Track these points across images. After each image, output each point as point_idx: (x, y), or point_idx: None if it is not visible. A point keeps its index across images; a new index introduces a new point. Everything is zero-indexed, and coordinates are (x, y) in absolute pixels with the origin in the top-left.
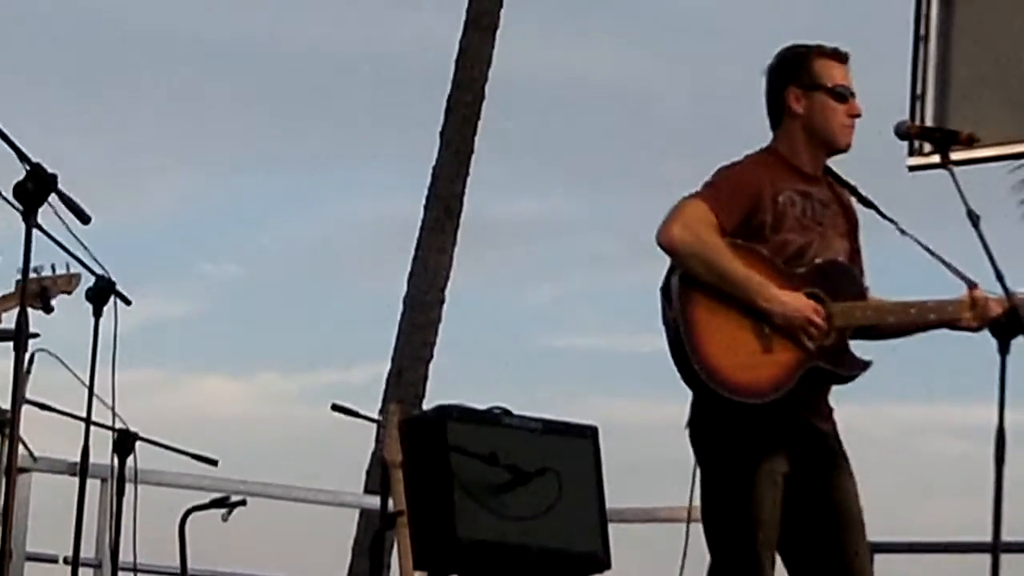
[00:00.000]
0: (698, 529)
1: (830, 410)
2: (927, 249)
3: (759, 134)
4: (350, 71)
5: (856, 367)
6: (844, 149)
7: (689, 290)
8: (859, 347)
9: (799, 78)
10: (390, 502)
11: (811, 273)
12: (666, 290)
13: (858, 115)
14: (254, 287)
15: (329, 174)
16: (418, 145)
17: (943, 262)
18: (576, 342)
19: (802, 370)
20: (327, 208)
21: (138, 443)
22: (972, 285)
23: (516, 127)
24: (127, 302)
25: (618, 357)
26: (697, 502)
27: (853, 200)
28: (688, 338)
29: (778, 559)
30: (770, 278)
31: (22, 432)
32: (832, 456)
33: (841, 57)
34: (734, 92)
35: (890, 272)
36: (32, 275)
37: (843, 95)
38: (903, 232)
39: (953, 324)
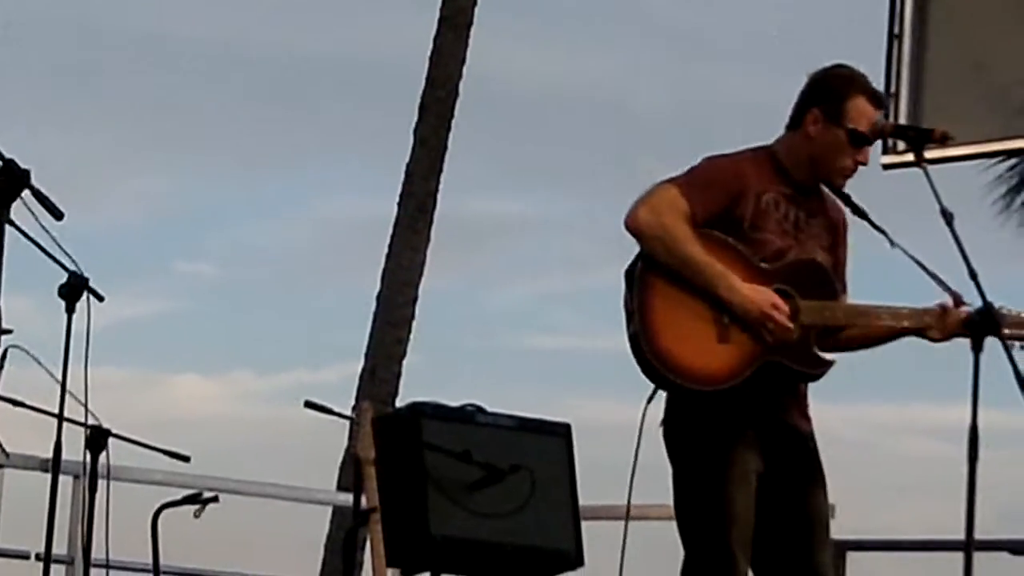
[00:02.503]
0: (649, 526)
1: (806, 408)
2: (916, 261)
3: (735, 134)
4: (324, 70)
5: (818, 365)
6: (834, 188)
7: (650, 274)
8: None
9: (827, 105)
10: (363, 499)
11: (783, 270)
12: (630, 273)
13: (865, 164)
14: (228, 286)
15: (303, 173)
16: (392, 143)
17: (931, 274)
18: (550, 342)
19: (757, 363)
20: (301, 207)
21: (111, 439)
22: (957, 298)
23: (491, 126)
24: (100, 299)
25: (592, 357)
26: (636, 500)
27: (846, 213)
28: (643, 321)
29: None
30: (739, 270)
31: None
32: (809, 461)
33: (880, 103)
34: (711, 92)
35: (878, 281)
36: None
37: (860, 141)
38: (893, 244)
39: (922, 333)
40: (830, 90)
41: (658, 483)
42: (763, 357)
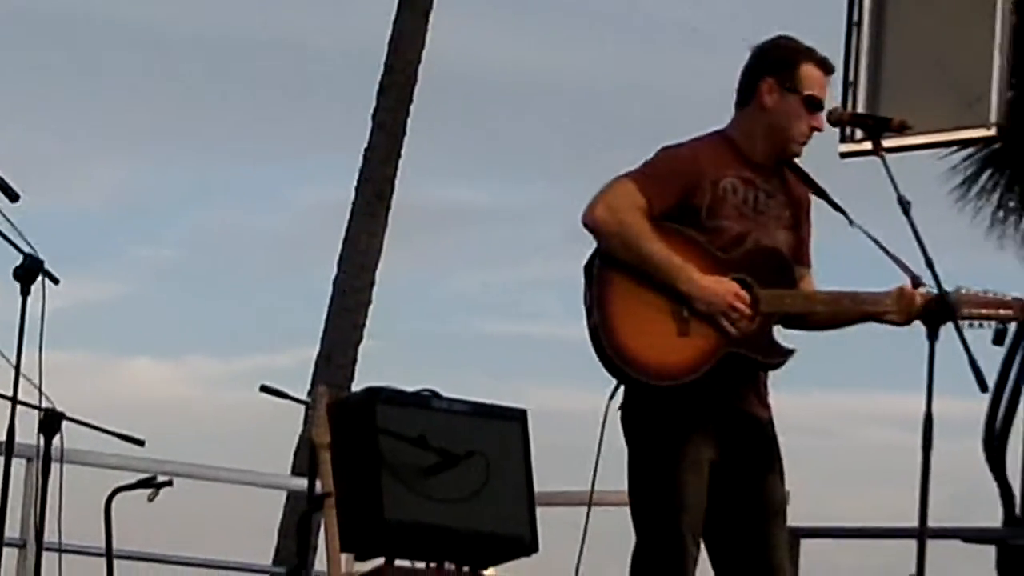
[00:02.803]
0: (604, 513)
1: (765, 395)
2: (875, 241)
3: (701, 122)
4: (284, 56)
5: (778, 355)
6: (791, 157)
7: (608, 270)
8: (790, 336)
9: (780, 74)
10: (317, 484)
11: (741, 259)
12: (588, 269)
13: (820, 130)
14: (186, 271)
15: (261, 159)
16: (352, 129)
17: (890, 255)
18: (506, 328)
19: (718, 355)
20: (259, 193)
21: (64, 423)
22: (916, 280)
23: (451, 111)
24: (55, 281)
25: (548, 343)
26: (599, 486)
27: (807, 191)
28: (602, 318)
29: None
30: (698, 262)
31: None
32: (766, 448)
33: (828, 69)
34: (676, 80)
35: (837, 261)
36: None
37: (815, 106)
38: (852, 223)
39: (881, 317)
40: (780, 59)
41: (615, 468)
42: (724, 349)
